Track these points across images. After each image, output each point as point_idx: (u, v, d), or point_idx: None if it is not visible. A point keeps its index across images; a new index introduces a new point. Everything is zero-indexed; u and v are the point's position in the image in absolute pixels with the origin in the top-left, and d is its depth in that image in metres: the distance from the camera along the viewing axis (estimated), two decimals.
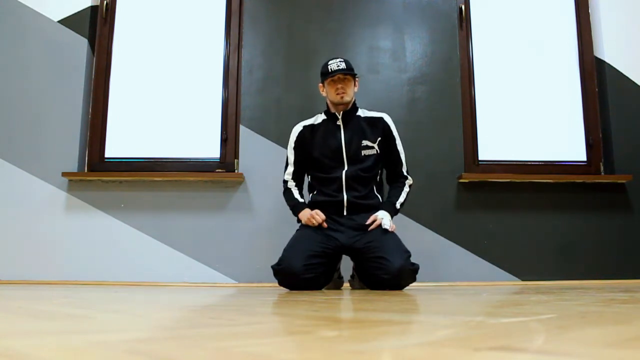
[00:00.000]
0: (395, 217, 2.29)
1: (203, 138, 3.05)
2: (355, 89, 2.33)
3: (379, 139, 2.30)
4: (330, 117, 2.34)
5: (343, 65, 2.25)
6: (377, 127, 2.32)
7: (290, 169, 2.37)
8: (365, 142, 2.29)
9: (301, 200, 2.33)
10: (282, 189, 2.40)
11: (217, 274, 2.81)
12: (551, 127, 3.13)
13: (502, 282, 2.84)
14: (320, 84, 2.36)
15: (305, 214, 2.25)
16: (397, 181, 2.37)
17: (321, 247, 2.16)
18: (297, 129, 2.38)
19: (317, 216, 2.21)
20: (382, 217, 2.21)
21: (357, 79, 2.33)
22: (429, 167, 2.92)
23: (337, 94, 2.26)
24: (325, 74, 2.28)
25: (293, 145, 2.36)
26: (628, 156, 3.00)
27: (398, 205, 2.31)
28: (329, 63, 2.28)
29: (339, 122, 2.31)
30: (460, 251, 2.87)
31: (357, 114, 2.35)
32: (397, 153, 2.35)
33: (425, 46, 3.10)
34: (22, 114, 2.95)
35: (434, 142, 2.96)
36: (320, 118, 2.38)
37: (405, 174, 2.37)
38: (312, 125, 2.36)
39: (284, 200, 2.38)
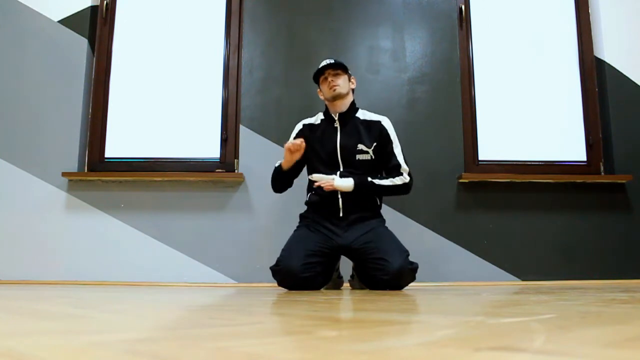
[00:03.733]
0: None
1: (203, 138, 3.05)
2: (352, 85, 2.34)
3: (375, 144, 2.27)
4: (328, 118, 2.34)
5: (331, 61, 2.30)
6: (374, 130, 2.28)
7: None
8: (360, 147, 2.25)
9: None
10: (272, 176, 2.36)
11: (217, 274, 2.81)
12: (551, 127, 3.13)
13: (502, 282, 2.84)
14: (318, 89, 2.39)
15: (285, 154, 2.23)
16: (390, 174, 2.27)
17: (318, 247, 2.15)
18: (299, 126, 2.40)
19: (292, 144, 2.20)
20: (333, 178, 2.19)
21: (352, 75, 2.36)
22: (429, 167, 2.92)
23: (330, 87, 2.27)
24: (317, 75, 2.33)
25: (293, 138, 2.37)
26: (628, 156, 3.00)
27: (370, 179, 2.19)
28: (320, 65, 2.33)
29: (336, 124, 2.30)
30: (460, 251, 2.87)
31: (356, 115, 2.33)
32: (395, 157, 2.25)
33: (425, 46, 3.10)
34: (22, 114, 2.95)
35: (434, 142, 2.96)
36: (319, 117, 2.39)
37: (401, 173, 2.24)
38: (311, 125, 2.37)
39: (272, 183, 2.36)
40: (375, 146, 2.27)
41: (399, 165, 2.25)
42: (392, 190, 2.23)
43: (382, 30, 3.11)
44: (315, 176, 2.25)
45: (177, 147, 3.04)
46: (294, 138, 2.35)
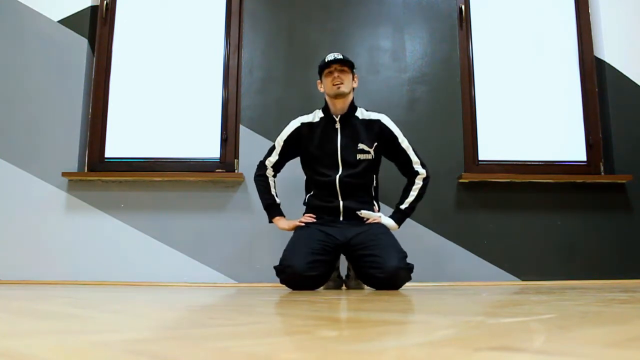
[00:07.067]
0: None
1: (203, 138, 3.05)
2: (355, 85, 2.32)
3: (376, 143, 2.28)
4: (328, 117, 2.32)
5: (340, 56, 2.24)
6: (374, 130, 2.29)
7: (274, 158, 2.37)
8: (361, 146, 2.26)
9: (277, 200, 2.34)
10: (257, 171, 2.40)
11: (217, 274, 2.81)
12: (551, 127, 3.13)
13: (502, 282, 2.84)
14: (318, 80, 2.35)
15: (288, 223, 2.29)
16: (408, 180, 2.35)
17: (321, 245, 2.16)
18: (295, 124, 2.36)
19: (305, 219, 2.29)
20: (380, 216, 2.24)
21: (356, 74, 2.32)
22: (429, 167, 2.92)
23: (334, 84, 2.23)
24: (322, 67, 2.27)
25: (286, 138, 2.35)
26: (628, 156, 3.00)
27: (403, 207, 2.29)
28: (326, 57, 2.28)
29: (337, 125, 2.29)
30: (460, 251, 2.87)
31: (356, 114, 2.32)
32: (404, 152, 2.32)
33: (425, 46, 3.10)
34: (22, 114, 2.95)
35: (434, 142, 2.96)
36: (318, 115, 2.35)
37: (416, 169, 2.33)
38: (310, 123, 2.34)
39: (255, 184, 2.39)
40: (376, 146, 2.28)
41: (412, 161, 2.32)
42: (421, 196, 2.32)
43: (382, 30, 3.11)
44: (364, 213, 2.24)
45: (177, 147, 3.04)
46: (288, 135, 2.34)
